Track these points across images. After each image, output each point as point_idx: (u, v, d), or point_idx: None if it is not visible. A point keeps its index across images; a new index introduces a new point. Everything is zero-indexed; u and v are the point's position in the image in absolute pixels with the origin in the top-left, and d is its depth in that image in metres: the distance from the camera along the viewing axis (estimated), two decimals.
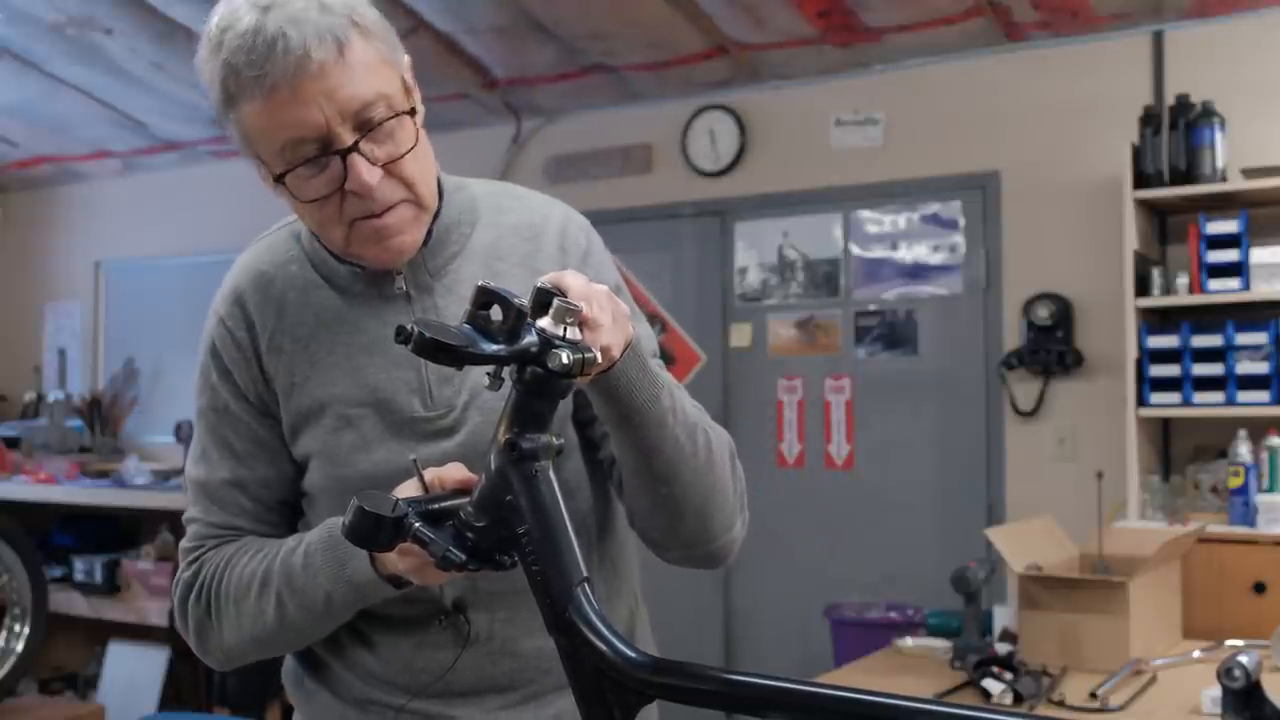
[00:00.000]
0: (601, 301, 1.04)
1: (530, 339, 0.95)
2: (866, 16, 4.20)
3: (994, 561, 2.82)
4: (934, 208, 4.54)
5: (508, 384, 0.97)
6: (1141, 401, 3.77)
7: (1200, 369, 3.71)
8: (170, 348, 6.36)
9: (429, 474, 1.10)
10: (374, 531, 1.00)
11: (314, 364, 1.26)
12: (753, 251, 4.79)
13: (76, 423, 6.25)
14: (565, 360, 0.95)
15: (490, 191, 1.35)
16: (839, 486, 4.55)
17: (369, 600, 1.19)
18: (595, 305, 1.02)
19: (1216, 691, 1.88)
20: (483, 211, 1.31)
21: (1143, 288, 3.84)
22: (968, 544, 4.06)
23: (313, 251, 1.30)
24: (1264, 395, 3.63)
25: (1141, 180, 3.83)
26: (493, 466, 1.01)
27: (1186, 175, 3.79)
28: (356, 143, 1.14)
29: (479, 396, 1.24)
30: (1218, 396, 3.68)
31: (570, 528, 1.00)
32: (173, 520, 5.19)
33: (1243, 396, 3.65)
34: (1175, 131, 3.83)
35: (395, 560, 1.12)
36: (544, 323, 0.97)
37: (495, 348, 0.94)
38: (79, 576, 5.18)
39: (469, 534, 1.01)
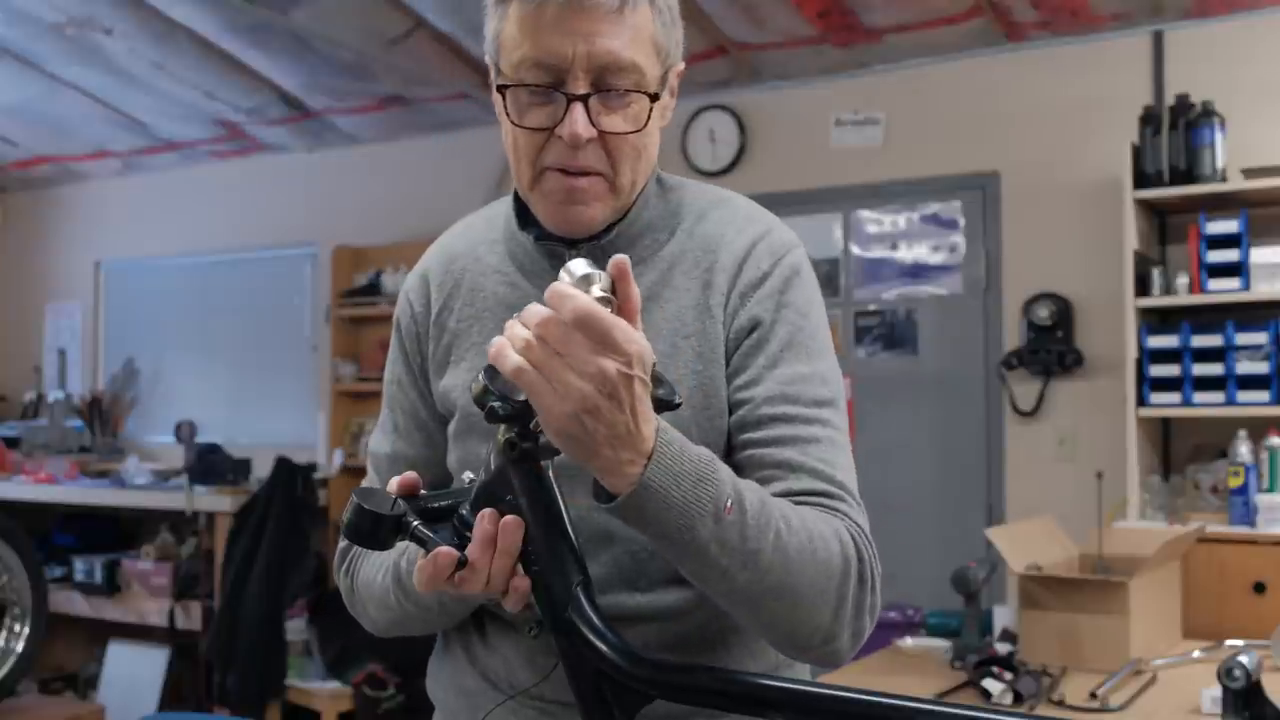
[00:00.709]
0: (545, 356, 0.88)
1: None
2: (866, 16, 4.20)
3: (994, 561, 2.81)
4: (934, 208, 4.54)
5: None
6: (1141, 401, 3.77)
7: (1200, 369, 3.71)
8: (170, 348, 6.36)
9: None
10: (374, 530, 1.00)
11: (471, 346, 1.24)
12: None
13: (76, 423, 6.26)
14: (494, 412, 0.93)
15: (704, 198, 1.27)
16: None
17: (475, 601, 1.18)
18: (533, 358, 0.88)
19: (1216, 691, 1.88)
20: (686, 218, 1.24)
21: (1143, 288, 3.84)
22: (968, 544, 4.07)
23: (507, 222, 1.26)
24: (1264, 395, 3.63)
25: (1141, 180, 3.83)
26: (493, 466, 1.00)
27: (1186, 175, 3.79)
28: (588, 95, 1.11)
29: None
30: (1218, 396, 3.68)
31: (571, 528, 1.00)
32: (173, 520, 5.19)
33: (1243, 396, 3.65)
34: (1175, 131, 3.83)
35: None
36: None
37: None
38: (79, 576, 5.18)
39: (468, 532, 1.01)
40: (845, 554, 1.07)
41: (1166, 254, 4.06)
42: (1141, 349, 3.79)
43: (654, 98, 1.15)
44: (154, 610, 4.99)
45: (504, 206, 1.29)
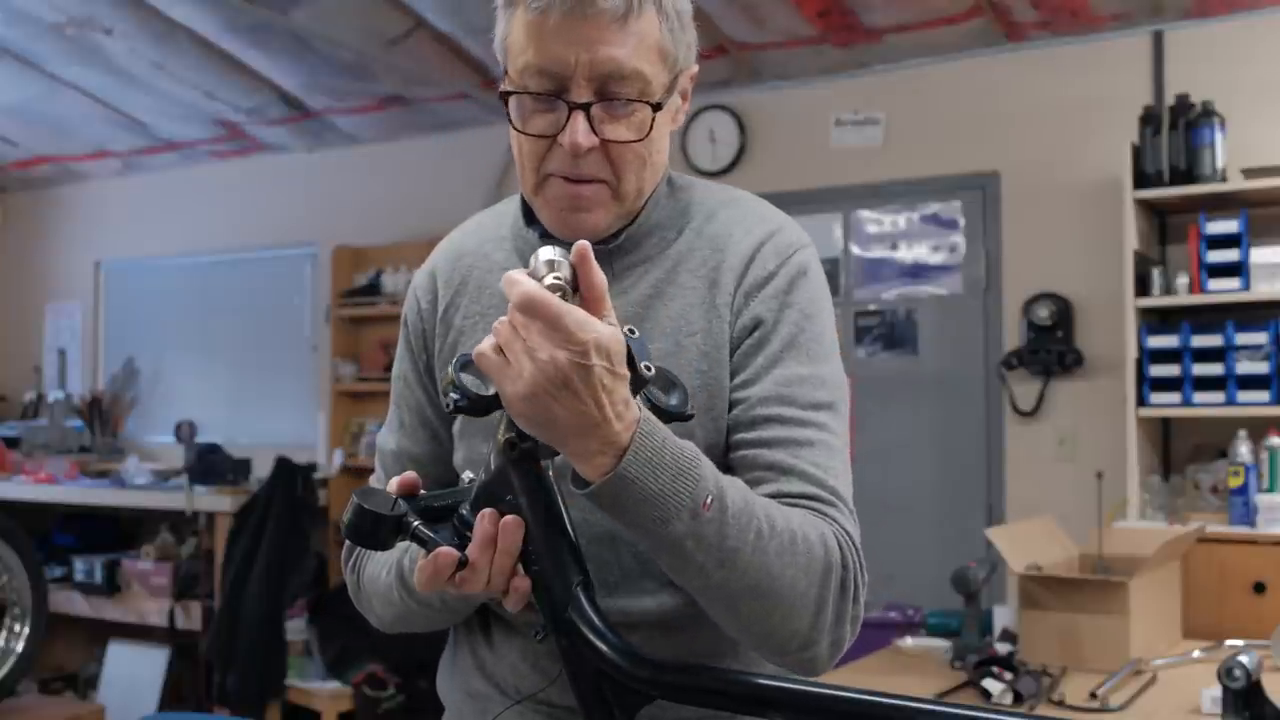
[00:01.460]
0: (509, 338, 0.91)
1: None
2: (866, 16, 4.20)
3: (994, 561, 2.81)
4: (934, 208, 4.54)
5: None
6: (1141, 401, 3.77)
7: (1200, 369, 3.71)
8: (170, 348, 6.36)
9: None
10: (374, 530, 1.00)
11: (475, 343, 1.23)
12: None
13: (76, 423, 6.26)
14: (449, 405, 0.96)
15: (714, 197, 1.27)
16: None
17: (477, 600, 1.17)
18: (505, 339, 0.91)
19: (1216, 691, 1.89)
20: (694, 217, 1.24)
21: (1143, 288, 3.84)
22: (968, 544, 4.06)
23: (515, 220, 1.27)
24: (1264, 395, 3.62)
25: (1141, 180, 3.83)
26: (493, 466, 1.00)
27: (1186, 175, 3.79)
28: (589, 104, 1.11)
29: None
30: (1218, 396, 3.68)
31: (570, 528, 1.00)
32: (173, 520, 5.19)
33: (1243, 396, 3.65)
34: (1175, 131, 3.83)
35: None
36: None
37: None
38: (79, 576, 5.18)
39: (468, 532, 1.01)
40: (829, 560, 1.06)
41: (1166, 254, 4.06)
42: (1141, 349, 3.79)
43: (657, 107, 1.14)
44: (154, 610, 4.99)
45: (513, 204, 1.29)
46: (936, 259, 4.52)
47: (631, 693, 0.95)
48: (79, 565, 5.19)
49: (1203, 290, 3.75)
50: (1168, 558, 2.65)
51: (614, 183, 1.16)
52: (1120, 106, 4.06)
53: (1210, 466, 3.85)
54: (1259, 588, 3.39)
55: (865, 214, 4.65)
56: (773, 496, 1.08)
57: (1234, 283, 3.71)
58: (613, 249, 1.20)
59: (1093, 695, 2.21)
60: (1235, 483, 3.56)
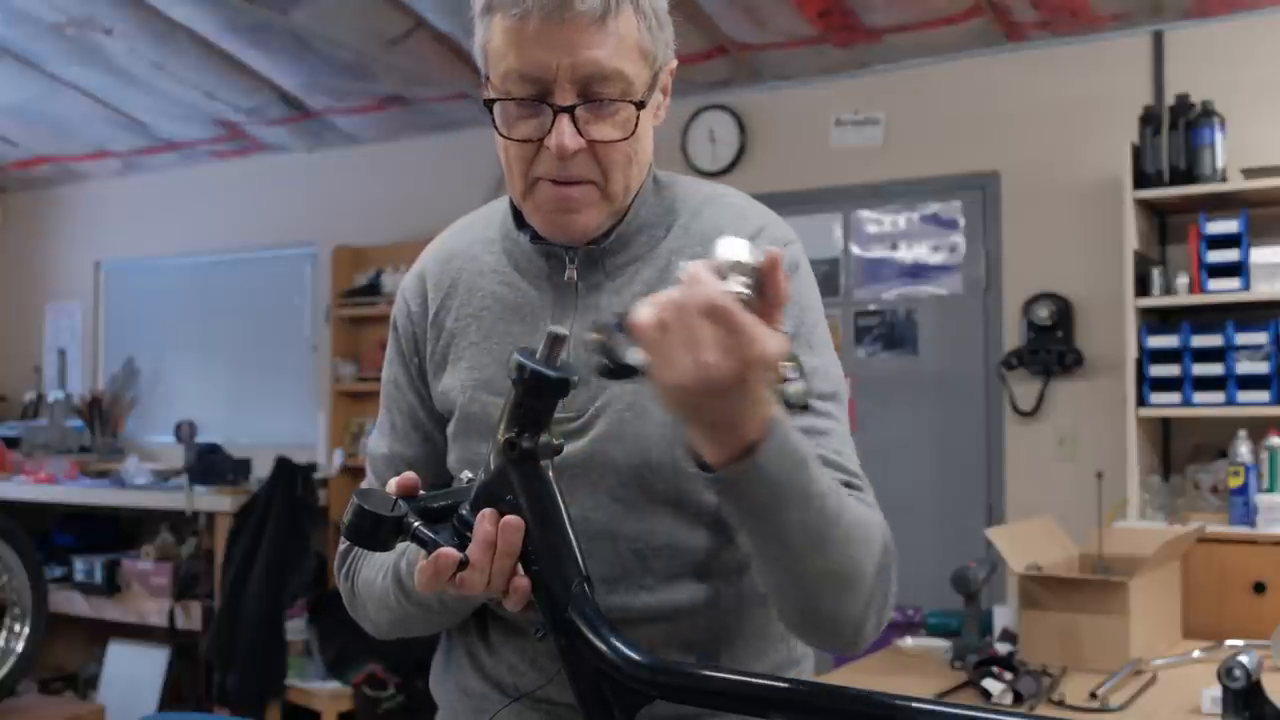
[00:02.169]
0: (676, 324, 0.88)
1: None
2: (866, 16, 4.20)
3: (994, 561, 2.81)
4: (934, 208, 4.54)
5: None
6: (1141, 401, 3.77)
7: (1200, 369, 3.71)
8: (170, 348, 6.36)
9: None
10: (374, 530, 1.00)
11: (469, 344, 1.24)
12: None
13: (76, 423, 6.26)
14: (598, 367, 0.94)
15: (698, 194, 1.28)
16: None
17: (476, 600, 1.17)
18: (663, 328, 0.89)
19: (1216, 691, 1.88)
20: (681, 214, 1.25)
21: (1143, 288, 3.84)
22: (968, 544, 4.06)
23: (504, 221, 1.27)
24: (1264, 395, 3.62)
25: (1141, 180, 3.83)
26: (493, 466, 1.00)
27: (1186, 175, 3.79)
28: (574, 107, 1.12)
29: (610, 405, 1.18)
30: (1218, 396, 3.68)
31: (570, 527, 1.00)
32: (173, 520, 5.19)
33: (1243, 396, 3.65)
34: (1175, 131, 3.83)
35: None
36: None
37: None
38: (79, 576, 5.18)
39: (468, 532, 1.01)
40: (884, 542, 1.10)
41: (1166, 254, 4.06)
42: (1141, 349, 3.79)
43: (640, 105, 1.15)
44: (154, 610, 4.99)
45: (502, 205, 1.29)
46: (936, 259, 4.52)
47: (631, 693, 0.95)
48: (79, 565, 5.19)
49: (1203, 290, 3.75)
50: (1168, 558, 2.65)
51: (602, 183, 1.16)
52: (1120, 106, 4.06)
53: (1210, 466, 3.85)
54: (1259, 588, 3.39)
55: (865, 214, 4.65)
56: None
57: (1234, 283, 3.71)
58: (604, 248, 1.20)
59: (1093, 695, 2.21)
60: (1235, 483, 3.56)
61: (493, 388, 1.20)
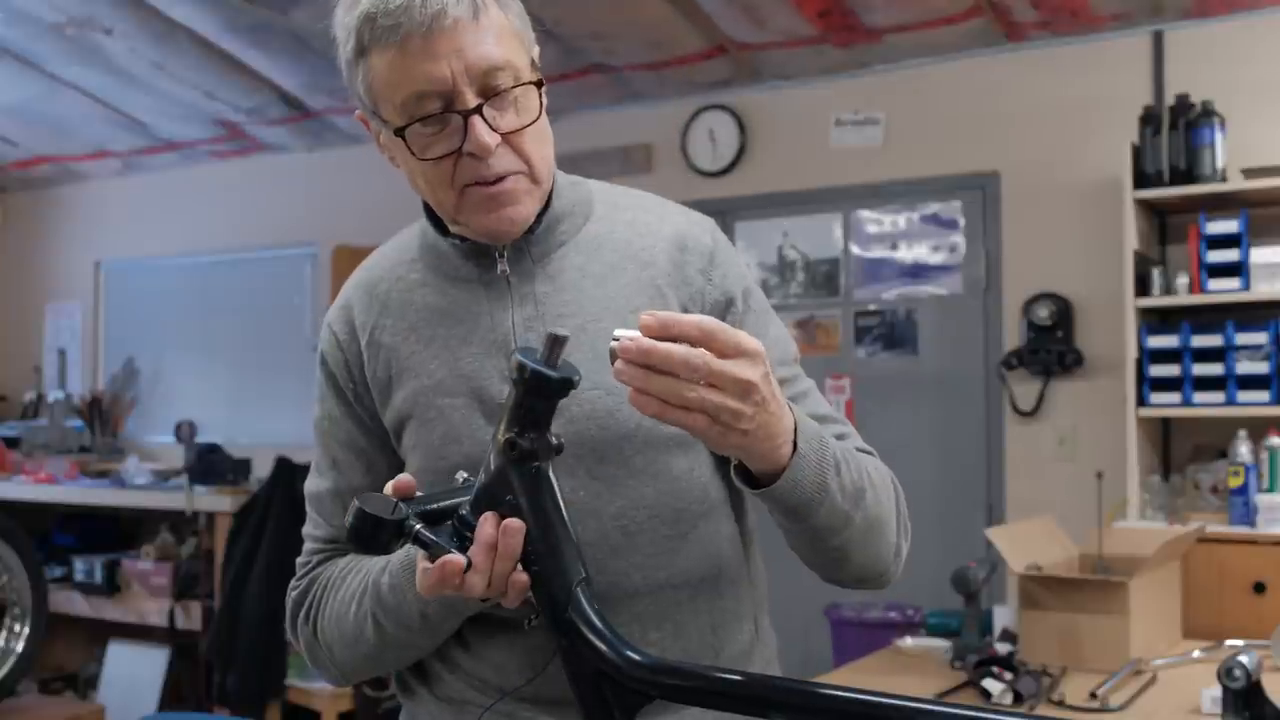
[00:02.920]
0: (731, 376, 0.95)
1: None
2: (866, 16, 4.20)
3: (994, 561, 2.81)
4: (934, 208, 4.54)
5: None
6: (1141, 401, 3.77)
7: (1200, 369, 3.71)
8: (170, 348, 6.36)
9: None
10: (375, 533, 1.00)
11: (411, 354, 1.26)
12: (753, 251, 4.79)
13: (76, 423, 6.25)
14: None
15: (609, 189, 1.33)
16: None
17: (465, 611, 1.17)
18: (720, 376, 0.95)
19: (1216, 691, 1.88)
20: (598, 206, 1.30)
21: (1143, 288, 3.84)
22: (968, 544, 4.07)
23: (425, 235, 1.31)
24: (1264, 395, 3.63)
25: (1141, 180, 3.83)
26: (492, 466, 1.00)
27: (1186, 175, 3.79)
28: (480, 105, 1.14)
29: (576, 389, 1.19)
30: (1218, 396, 3.68)
31: (570, 527, 1.00)
32: (173, 520, 5.19)
33: (1243, 396, 3.65)
34: (1175, 131, 3.83)
35: None
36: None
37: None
38: (79, 576, 5.18)
39: (468, 533, 1.01)
40: (893, 480, 1.22)
41: (1166, 254, 4.06)
42: (1141, 349, 3.79)
43: (539, 84, 1.19)
44: (154, 610, 4.99)
45: (410, 232, 1.34)
46: (936, 259, 4.52)
47: (631, 693, 0.95)
48: (79, 565, 5.19)
49: (1203, 290, 3.75)
50: (1168, 558, 2.65)
51: (527, 169, 1.19)
52: (1120, 106, 4.06)
53: (1210, 466, 3.85)
54: (1259, 588, 3.39)
55: (865, 214, 4.65)
56: None
57: (1234, 283, 3.71)
58: (535, 236, 1.24)
59: (1093, 695, 2.21)
60: (1235, 483, 3.56)
61: (445, 389, 1.22)
